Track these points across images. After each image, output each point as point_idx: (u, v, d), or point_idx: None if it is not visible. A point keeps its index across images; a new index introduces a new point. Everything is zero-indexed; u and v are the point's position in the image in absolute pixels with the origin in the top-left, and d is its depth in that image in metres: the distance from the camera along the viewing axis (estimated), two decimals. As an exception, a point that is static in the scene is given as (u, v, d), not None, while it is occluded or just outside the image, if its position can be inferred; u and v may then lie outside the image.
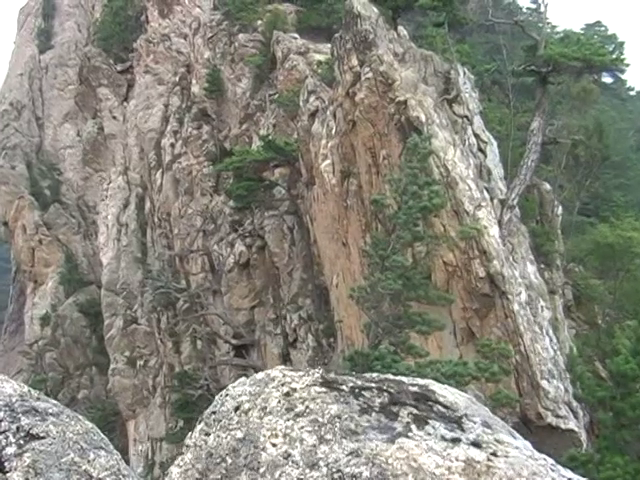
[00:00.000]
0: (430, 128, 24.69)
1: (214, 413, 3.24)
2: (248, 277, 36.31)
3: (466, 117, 26.57)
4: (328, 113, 29.63)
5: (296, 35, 37.57)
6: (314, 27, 38.27)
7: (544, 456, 3.06)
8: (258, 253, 35.99)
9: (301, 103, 32.26)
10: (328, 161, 29.04)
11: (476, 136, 26.47)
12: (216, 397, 3.23)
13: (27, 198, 62.10)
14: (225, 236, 37.83)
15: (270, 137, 34.73)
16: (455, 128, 25.92)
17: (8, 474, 3.28)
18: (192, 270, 40.09)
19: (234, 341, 37.15)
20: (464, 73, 27.64)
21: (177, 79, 45.17)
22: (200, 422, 3.27)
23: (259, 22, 39.49)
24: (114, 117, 52.87)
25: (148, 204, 46.79)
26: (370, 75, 26.52)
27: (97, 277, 54.56)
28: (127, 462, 3.79)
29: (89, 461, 3.34)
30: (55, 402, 3.67)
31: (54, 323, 57.00)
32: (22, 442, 3.36)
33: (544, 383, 23.04)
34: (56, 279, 59.42)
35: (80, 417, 3.62)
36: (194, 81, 42.85)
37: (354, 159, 27.87)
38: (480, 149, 26.49)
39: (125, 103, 51.91)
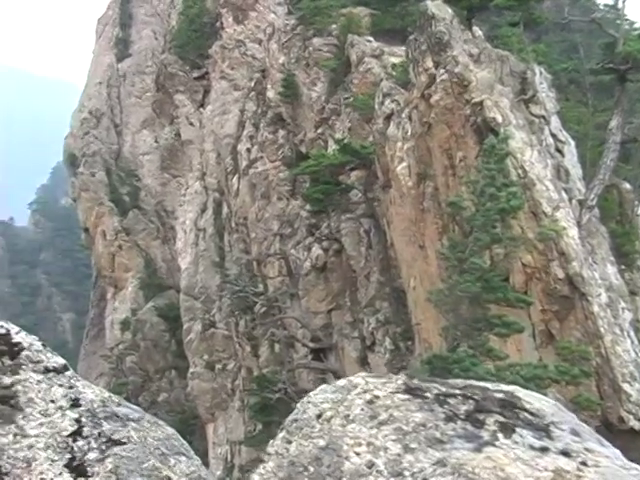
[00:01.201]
0: (507, 129, 24.89)
1: (296, 421, 3.22)
2: (325, 280, 36.77)
3: (543, 117, 26.68)
4: (403, 115, 30.01)
5: (370, 38, 37.97)
6: (388, 30, 38.50)
7: (636, 466, 3.03)
8: (335, 256, 36.41)
9: (376, 106, 32.65)
10: (404, 164, 29.46)
11: (553, 136, 26.55)
12: (297, 404, 3.21)
13: (107, 204, 64.18)
14: (302, 240, 38.42)
15: (346, 140, 35.30)
16: (532, 128, 26.08)
17: (90, 479, 3.34)
18: (269, 274, 40.82)
19: (312, 344, 37.56)
20: (540, 73, 27.72)
21: (252, 84, 46.09)
22: (282, 430, 3.24)
23: (333, 26, 40.03)
24: (191, 123, 54.27)
25: (225, 209, 47.77)
26: (445, 77, 26.87)
27: (176, 282, 55.96)
28: (206, 465, 4.17)
29: (170, 467, 3.41)
30: (136, 408, 3.76)
31: (134, 327, 58.65)
32: (104, 447, 3.43)
33: (626, 386, 23.00)
34: (136, 284, 61.17)
35: (160, 423, 3.69)
36: (269, 86, 43.67)
37: (430, 161, 28.20)
38: (558, 149, 26.56)
39: (201, 109, 53.20)
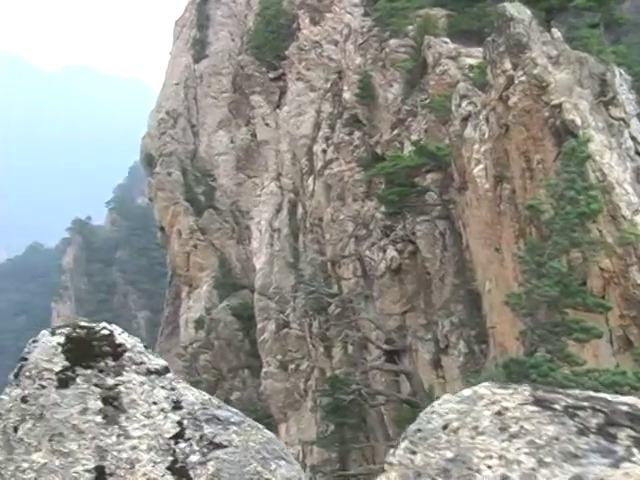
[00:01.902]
0: (586, 131, 24.94)
1: (419, 431, 3.09)
2: (399, 282, 37.00)
3: (622, 120, 26.57)
4: (481, 117, 30.18)
5: (447, 39, 38.12)
6: (465, 31, 38.56)
7: None
8: (410, 258, 36.61)
9: (453, 108, 32.89)
10: (481, 166, 29.64)
11: (633, 139, 26.41)
12: (420, 414, 3.12)
13: (182, 204, 65.66)
14: (377, 241, 38.71)
15: (422, 142, 35.64)
16: (611, 131, 26.03)
17: None
18: (344, 275, 41.25)
19: (386, 346, 37.75)
20: (620, 74, 27.60)
21: (328, 85, 46.67)
22: (404, 439, 3.10)
23: (410, 27, 40.27)
24: (267, 124, 55.17)
25: (300, 209, 48.42)
26: (524, 78, 27.00)
27: (250, 281, 56.82)
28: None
29: (271, 471, 3.49)
30: (235, 410, 3.81)
31: (208, 326, 59.77)
32: (206, 450, 3.52)
33: None
34: (210, 283, 62.37)
35: (260, 426, 3.74)
36: (345, 87, 44.18)
37: (507, 164, 28.31)
38: (637, 152, 26.40)
39: (277, 110, 54.03)
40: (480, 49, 32.38)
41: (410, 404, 33.21)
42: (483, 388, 3.10)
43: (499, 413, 2.95)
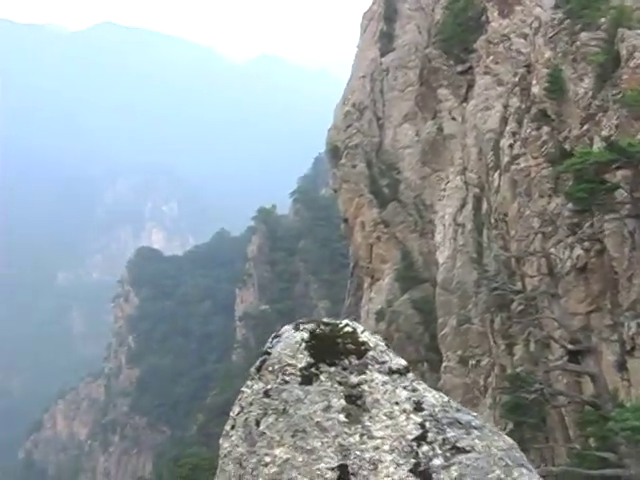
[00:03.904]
0: None
1: None
2: (585, 281, 36.66)
3: None
4: (676, 114, 29.87)
5: (642, 32, 37.55)
6: (663, 23, 37.89)
7: None
8: (596, 257, 36.19)
9: (646, 103, 32.61)
10: (675, 164, 29.35)
11: None
12: None
13: (367, 196, 67.44)
14: (563, 239, 38.50)
15: (613, 138, 35.33)
16: None
17: None
18: (528, 272, 41.16)
19: (570, 346, 37.57)
20: None
21: (517, 80, 46.62)
22: None
23: (602, 19, 39.77)
24: (453, 118, 55.75)
25: (485, 205, 48.54)
26: None
27: (432, 275, 57.64)
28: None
29: (514, 479, 3.41)
30: (475, 414, 3.77)
31: (389, 318, 61.12)
32: (448, 455, 3.47)
33: None
34: (392, 275, 63.74)
35: (500, 432, 3.71)
36: (534, 81, 44.04)
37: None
38: None
39: (464, 104, 54.41)
40: (678, 43, 31.86)
41: (594, 406, 33.16)
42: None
43: None
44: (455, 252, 50.19)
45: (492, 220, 46.79)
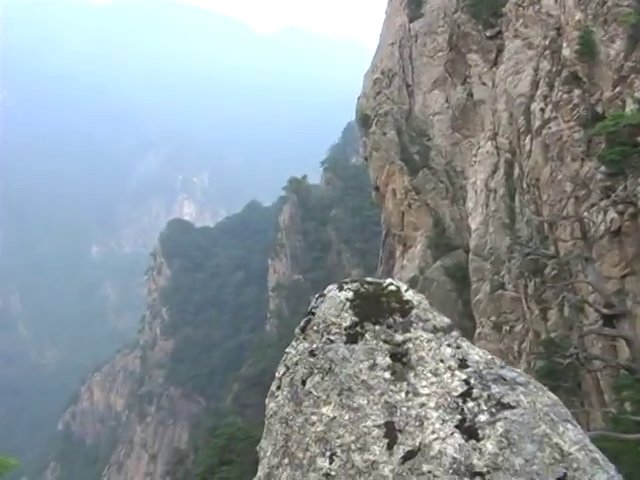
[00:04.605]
0: None
1: None
2: (619, 245, 36.38)
3: None
4: None
5: (676, -10, 36.98)
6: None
7: None
8: (630, 220, 35.91)
9: (680, 63, 32.19)
10: None
11: None
12: None
13: (397, 164, 67.27)
14: (596, 202, 38.25)
15: (646, 100, 35.02)
16: None
17: (481, 442, 3.40)
18: (561, 236, 40.98)
19: (605, 310, 37.42)
20: None
21: (547, 42, 46.07)
22: None
23: (634, -21, 39.28)
24: (483, 83, 55.29)
25: (517, 169, 48.25)
26: None
27: (464, 241, 57.54)
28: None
29: (559, 434, 3.42)
30: (520, 371, 3.78)
31: (421, 286, 60.74)
32: (494, 410, 3.48)
33: None
34: (424, 242, 63.68)
35: (545, 388, 3.74)
36: (564, 44, 43.53)
37: None
38: None
39: (494, 68, 53.91)
40: None
41: (629, 370, 33.11)
42: None
43: None
44: (487, 218, 49.97)
45: (524, 185, 46.51)
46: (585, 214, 38.65)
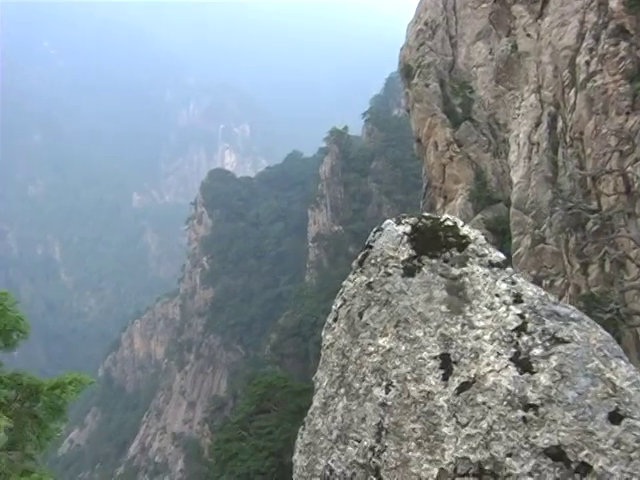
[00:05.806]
0: None
1: None
2: None
3: None
4: None
5: None
6: None
7: None
8: None
9: None
10: None
11: None
12: None
13: (439, 116, 66.82)
14: (641, 157, 38.10)
15: (694, 53, 34.49)
16: None
17: (535, 375, 3.46)
18: (604, 191, 40.71)
19: None
20: None
21: (595, -6, 45.44)
22: None
23: None
24: (528, 35, 54.52)
25: (560, 123, 47.70)
26: None
27: (505, 195, 57.21)
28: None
29: (612, 369, 3.42)
30: (573, 307, 3.78)
31: (463, 239, 61.27)
32: (548, 344, 3.51)
33: None
34: (465, 196, 63.44)
35: (598, 325, 3.68)
36: (613, -5, 42.91)
37: None
38: None
39: (539, 20, 53.11)
40: None
41: (669, 325, 33.21)
42: None
43: None
44: (530, 171, 49.66)
45: (567, 138, 46.11)
46: (629, 168, 38.45)
